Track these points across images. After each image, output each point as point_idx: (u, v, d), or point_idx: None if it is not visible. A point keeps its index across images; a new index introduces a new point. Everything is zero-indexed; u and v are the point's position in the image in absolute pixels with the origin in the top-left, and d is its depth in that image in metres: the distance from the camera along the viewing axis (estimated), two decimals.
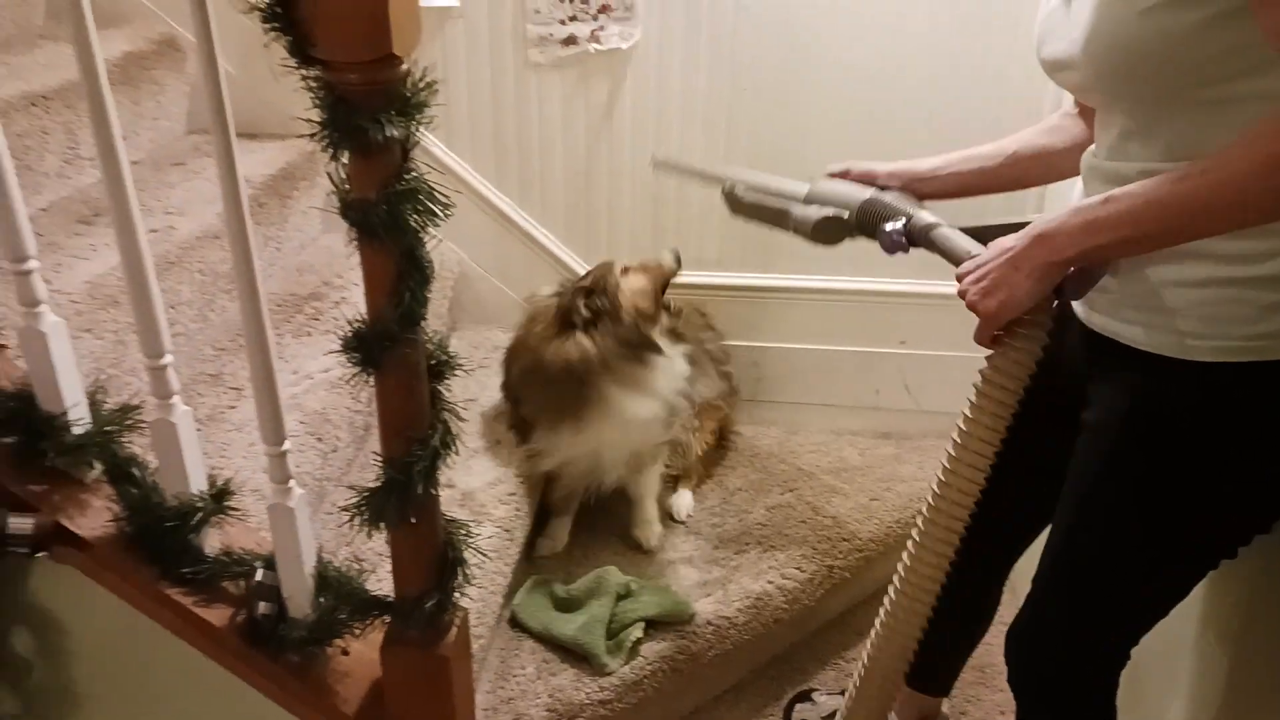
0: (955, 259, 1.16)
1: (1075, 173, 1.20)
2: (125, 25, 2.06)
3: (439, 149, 2.21)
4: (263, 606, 1.21)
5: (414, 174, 0.97)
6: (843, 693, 1.55)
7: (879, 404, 2.41)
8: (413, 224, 0.97)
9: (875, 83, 2.11)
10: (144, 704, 1.34)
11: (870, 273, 2.26)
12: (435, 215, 0.98)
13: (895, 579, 1.29)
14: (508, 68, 2.16)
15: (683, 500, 2.08)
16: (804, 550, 1.96)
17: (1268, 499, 1.07)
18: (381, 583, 1.28)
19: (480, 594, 1.60)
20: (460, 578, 1.20)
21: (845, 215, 1.31)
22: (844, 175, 1.39)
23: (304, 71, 0.92)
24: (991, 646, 1.66)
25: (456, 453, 1.14)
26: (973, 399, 1.16)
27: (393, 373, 1.05)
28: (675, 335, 1.97)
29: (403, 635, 1.21)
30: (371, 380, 1.06)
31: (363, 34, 0.88)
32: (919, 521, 1.25)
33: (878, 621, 1.33)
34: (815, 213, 1.33)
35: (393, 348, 1.03)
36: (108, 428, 1.22)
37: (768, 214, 1.41)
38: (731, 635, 1.80)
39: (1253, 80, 0.93)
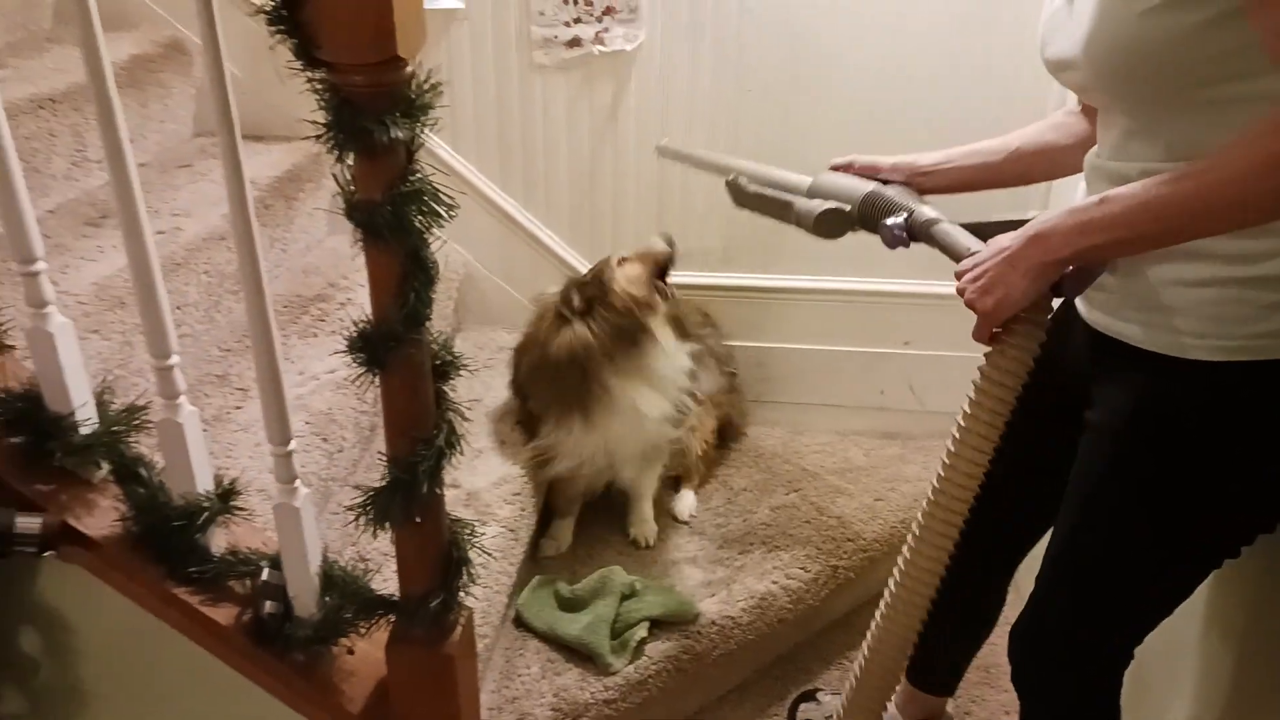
0: (955, 255, 1.16)
1: (1078, 169, 1.20)
2: (132, 29, 2.07)
3: (444, 150, 2.21)
4: (268, 606, 1.21)
5: (419, 175, 0.97)
6: None
7: (884, 404, 2.41)
8: (417, 225, 0.97)
9: (879, 83, 2.11)
10: (150, 702, 1.35)
11: (875, 273, 2.27)
12: (440, 216, 0.99)
13: (894, 574, 1.30)
14: (512, 69, 2.16)
15: (685, 501, 2.09)
16: (808, 550, 1.97)
17: (1271, 498, 1.07)
18: (387, 582, 1.29)
19: (485, 593, 1.61)
20: (465, 577, 1.21)
21: (847, 209, 1.32)
22: (847, 168, 1.39)
23: (309, 74, 0.93)
24: (996, 646, 1.66)
25: (461, 452, 1.14)
26: (971, 395, 1.16)
27: (397, 373, 1.06)
28: (680, 330, 1.96)
29: (408, 634, 1.21)
30: (377, 380, 1.07)
31: (368, 36, 0.88)
32: (918, 516, 1.25)
33: (877, 615, 1.33)
34: (818, 206, 1.33)
35: (398, 348, 1.03)
36: (115, 428, 1.23)
37: (771, 206, 1.41)
38: (736, 635, 1.80)
39: (1252, 81, 0.93)
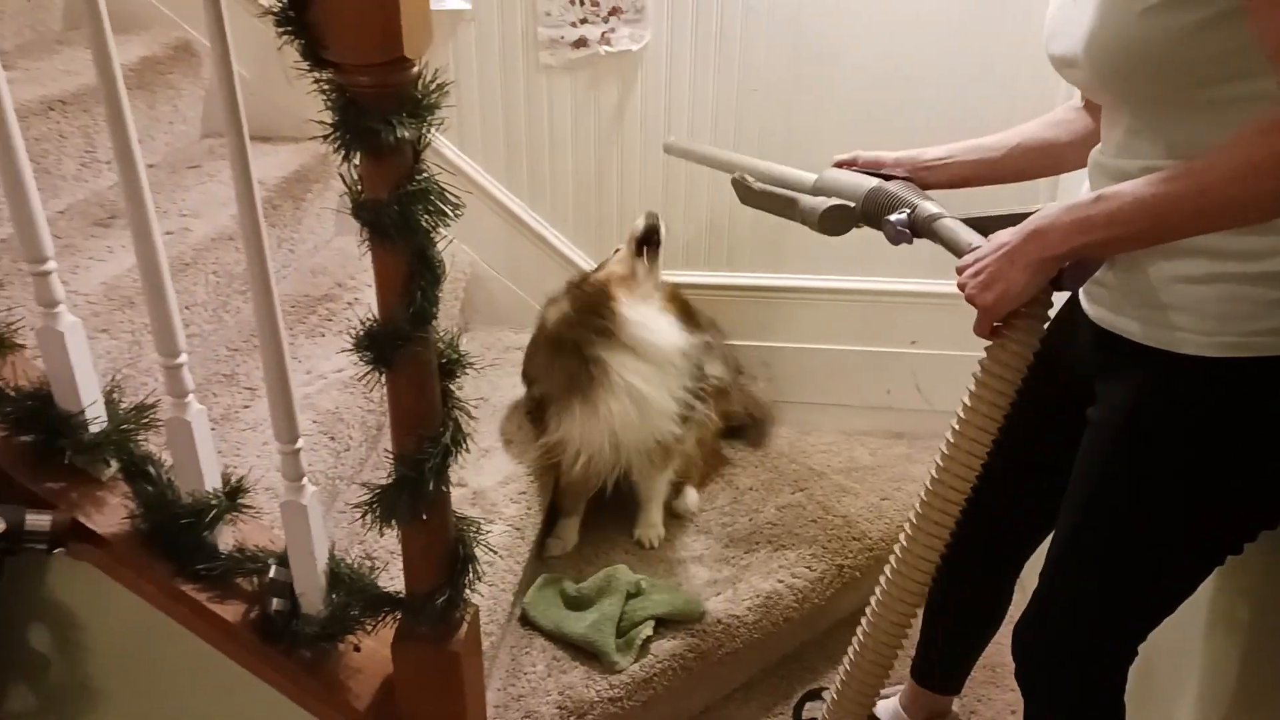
0: (957, 251, 1.17)
1: (1079, 166, 1.21)
2: (142, 31, 2.08)
3: (451, 151, 2.22)
4: (276, 603, 1.22)
5: (425, 175, 0.98)
6: None
7: (890, 404, 2.41)
8: (424, 224, 0.98)
9: (884, 83, 2.11)
10: (158, 698, 1.36)
11: (881, 272, 2.27)
12: (446, 215, 0.99)
13: (888, 567, 1.30)
14: (519, 70, 2.17)
15: (689, 497, 2.09)
16: (814, 549, 1.97)
17: (1273, 494, 1.07)
18: (393, 580, 1.29)
19: (491, 591, 1.61)
20: (471, 574, 1.21)
21: (852, 205, 1.32)
22: (851, 164, 1.39)
23: (316, 74, 0.93)
24: (1002, 646, 1.65)
25: (467, 450, 1.15)
26: (971, 388, 1.17)
27: (404, 371, 1.06)
28: (689, 319, 1.97)
29: (414, 631, 1.22)
30: (383, 379, 1.07)
31: (374, 37, 0.89)
32: (915, 505, 1.25)
33: (869, 607, 1.33)
34: (822, 202, 1.33)
35: (404, 346, 1.04)
36: (124, 426, 1.24)
37: (776, 203, 1.42)
38: (741, 634, 1.80)
39: (1252, 81, 0.93)
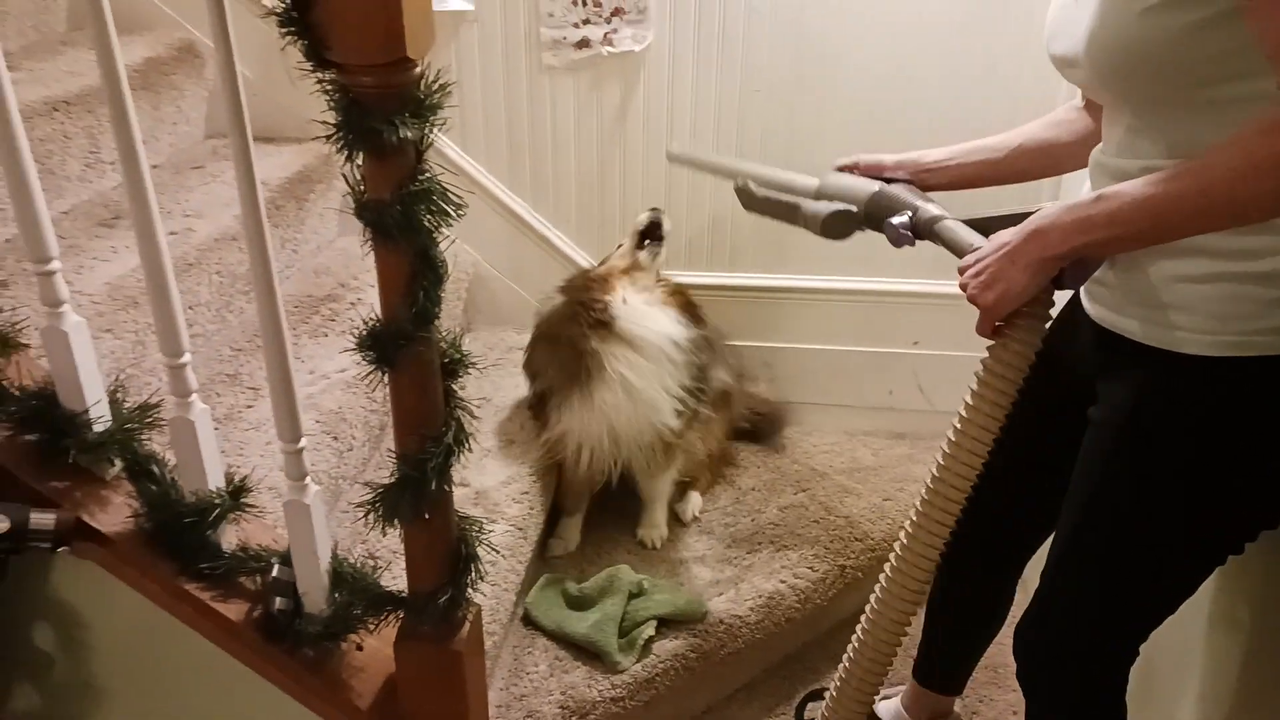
0: (958, 252, 1.17)
1: (1079, 166, 1.21)
2: (146, 32, 2.09)
3: (453, 151, 2.23)
4: (279, 602, 1.23)
5: (428, 175, 0.98)
6: None
7: (892, 404, 2.41)
8: (426, 224, 0.98)
9: (887, 83, 2.11)
10: (161, 697, 1.36)
11: (884, 273, 2.27)
12: (448, 215, 1.00)
13: (887, 565, 1.30)
14: (521, 71, 2.18)
15: (691, 502, 2.09)
16: (816, 550, 1.97)
17: (1275, 494, 1.07)
18: (396, 579, 1.30)
19: (493, 591, 1.62)
20: (473, 574, 1.21)
21: (854, 209, 1.33)
22: (852, 169, 1.40)
23: (319, 75, 0.94)
24: (1003, 646, 1.65)
25: (470, 449, 1.15)
26: (973, 387, 1.17)
27: (407, 370, 1.07)
28: (694, 317, 1.97)
29: (416, 630, 1.22)
30: (386, 379, 1.08)
31: (377, 38, 0.89)
32: (915, 505, 1.25)
33: (869, 605, 1.33)
34: (824, 208, 1.34)
35: (407, 346, 1.04)
36: (128, 426, 1.24)
37: (780, 210, 1.43)
38: (743, 634, 1.80)
39: (1252, 81, 0.94)
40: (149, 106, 1.95)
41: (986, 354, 1.16)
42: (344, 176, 0.98)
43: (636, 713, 1.68)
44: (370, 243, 1.00)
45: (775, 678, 1.95)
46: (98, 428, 1.22)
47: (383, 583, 1.28)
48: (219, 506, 1.24)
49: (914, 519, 1.25)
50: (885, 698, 1.71)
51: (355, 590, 1.25)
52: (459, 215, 1.01)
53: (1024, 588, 1.52)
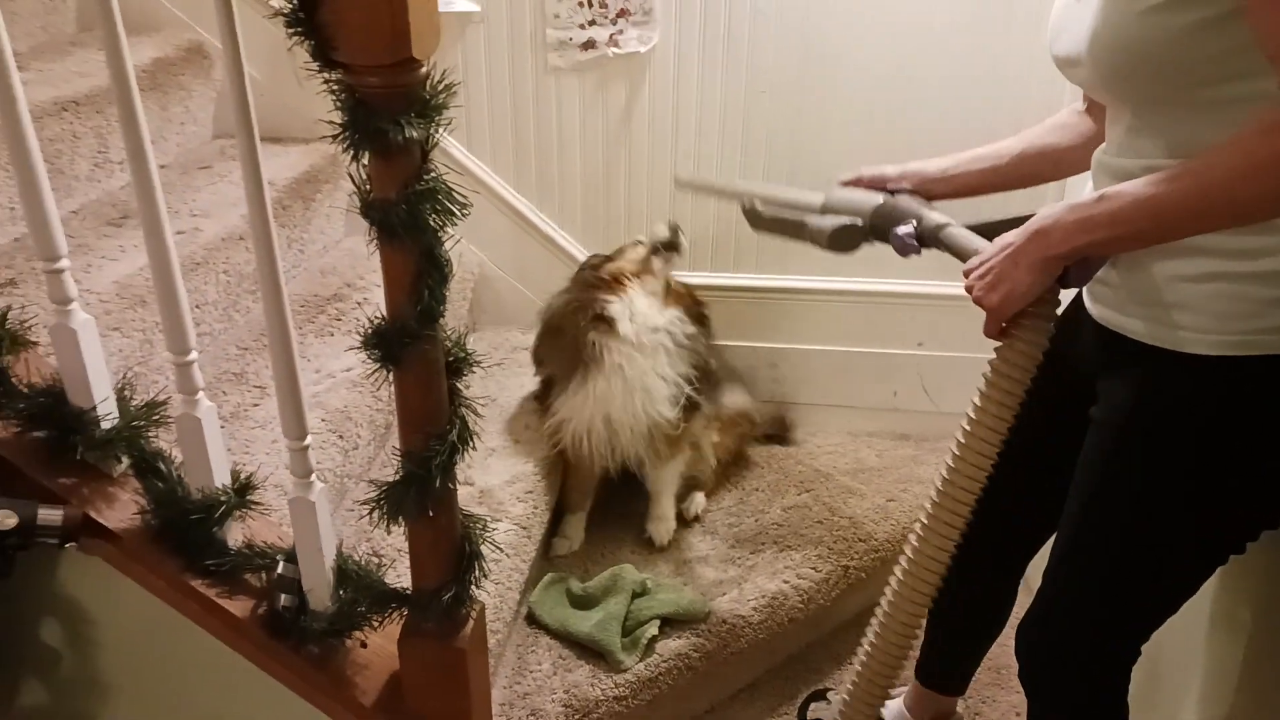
0: (964, 257, 1.18)
1: (1083, 169, 1.21)
2: (155, 33, 2.10)
3: (459, 151, 2.23)
4: (284, 599, 1.23)
5: (433, 174, 0.99)
6: None
7: (897, 405, 2.41)
8: (432, 223, 0.99)
9: (892, 85, 2.12)
10: (168, 693, 1.37)
11: (888, 274, 2.27)
12: (454, 215, 1.00)
13: (898, 568, 1.30)
14: (527, 71, 2.18)
15: (695, 502, 2.09)
16: (820, 550, 1.97)
17: (1276, 494, 1.07)
18: (400, 577, 1.30)
19: (497, 590, 1.62)
20: (477, 571, 1.22)
21: (859, 223, 1.34)
22: (856, 183, 1.40)
23: (326, 75, 0.95)
24: (1006, 647, 1.65)
25: (474, 448, 1.16)
26: (981, 389, 1.17)
27: (412, 369, 1.07)
28: (697, 317, 1.99)
29: (420, 627, 1.23)
30: (391, 377, 1.08)
31: (383, 38, 0.90)
32: (925, 507, 1.26)
33: (879, 609, 1.34)
34: (830, 223, 1.35)
35: (412, 344, 1.05)
36: (135, 423, 1.25)
37: (786, 227, 1.44)
38: (747, 634, 1.81)
39: (1252, 81, 0.94)
40: (157, 107, 1.96)
41: (994, 355, 1.16)
42: (350, 176, 0.99)
43: (639, 712, 1.68)
44: (376, 242, 1.01)
45: (778, 678, 1.95)
46: (105, 425, 1.23)
47: (387, 580, 1.28)
48: (225, 504, 1.25)
49: (924, 520, 1.25)
50: (889, 698, 1.71)
51: (360, 587, 1.26)
52: (464, 215, 1.01)
53: (1026, 587, 1.52)
